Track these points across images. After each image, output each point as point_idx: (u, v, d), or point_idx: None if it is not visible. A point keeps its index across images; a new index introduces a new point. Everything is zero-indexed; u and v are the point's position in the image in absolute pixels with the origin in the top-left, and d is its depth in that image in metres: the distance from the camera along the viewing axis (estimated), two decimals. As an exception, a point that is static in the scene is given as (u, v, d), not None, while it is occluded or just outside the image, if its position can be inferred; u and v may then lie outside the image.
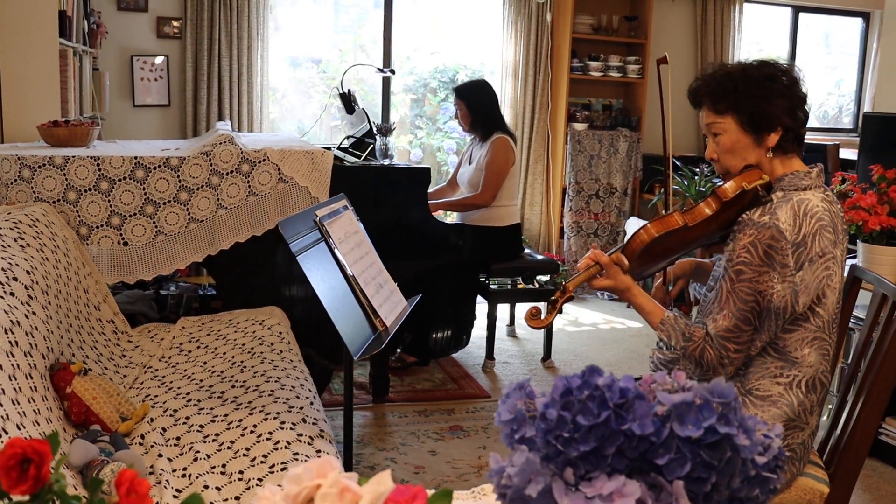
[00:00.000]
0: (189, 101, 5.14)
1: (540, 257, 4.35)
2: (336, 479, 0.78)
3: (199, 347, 2.80)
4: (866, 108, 6.80)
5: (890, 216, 3.06)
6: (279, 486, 0.86)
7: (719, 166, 1.90)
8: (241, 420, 2.14)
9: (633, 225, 5.32)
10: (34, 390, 1.90)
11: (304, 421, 2.11)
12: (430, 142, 6.56)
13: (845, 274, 2.01)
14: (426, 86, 6.54)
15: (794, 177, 1.82)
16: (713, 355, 1.78)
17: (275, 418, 2.10)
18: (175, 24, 5.12)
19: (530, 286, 4.30)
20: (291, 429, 2.05)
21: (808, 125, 1.91)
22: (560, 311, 1.95)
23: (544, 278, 4.55)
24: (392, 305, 2.08)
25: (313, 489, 0.79)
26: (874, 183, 3.21)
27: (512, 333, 4.80)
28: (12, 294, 2.09)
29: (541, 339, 4.66)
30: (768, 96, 1.79)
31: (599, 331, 5.04)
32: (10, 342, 1.88)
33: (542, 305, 1.93)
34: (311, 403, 2.25)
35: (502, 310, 4.69)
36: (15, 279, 2.15)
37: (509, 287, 4.24)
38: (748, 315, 1.77)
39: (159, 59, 5.13)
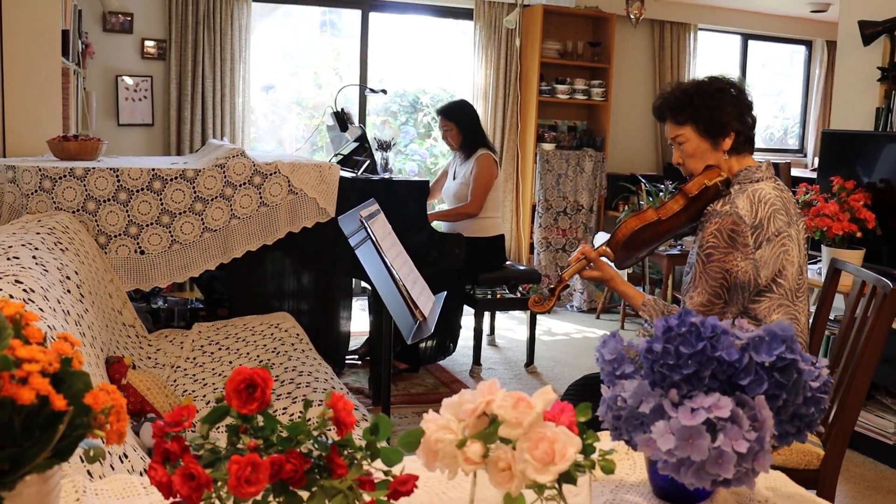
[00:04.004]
0: (173, 121, 5.25)
1: (522, 267, 4.58)
2: (508, 392, 0.97)
3: (220, 349, 2.93)
4: (811, 129, 7.27)
5: (851, 223, 3.39)
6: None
7: (685, 169, 2.19)
8: (285, 408, 2.29)
9: (600, 239, 5.60)
10: (102, 378, 2.03)
11: (311, 405, 2.27)
12: (392, 164, 6.76)
13: (826, 262, 2.28)
14: (387, 110, 6.75)
15: (748, 171, 2.11)
16: None
17: (319, 405, 2.26)
18: (160, 45, 5.24)
19: (511, 295, 4.50)
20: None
21: (755, 147, 2.20)
22: (559, 298, 2.21)
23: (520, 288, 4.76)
24: (426, 299, 2.26)
25: (486, 404, 0.98)
26: (835, 193, 3.54)
27: (492, 342, 5.00)
28: (68, 291, 2.21)
29: (520, 347, 4.88)
30: (719, 106, 2.08)
31: (573, 339, 5.28)
32: (80, 332, 2.01)
33: (543, 293, 2.19)
34: (347, 394, 2.41)
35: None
36: (68, 278, 2.28)
37: (489, 297, 4.43)
38: (718, 290, 2.05)
39: (144, 80, 5.23)
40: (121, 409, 0.87)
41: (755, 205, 2.02)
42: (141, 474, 1.75)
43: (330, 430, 1.04)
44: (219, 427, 1.05)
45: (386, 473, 0.96)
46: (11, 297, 1.76)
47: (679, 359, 1.09)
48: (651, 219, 2.12)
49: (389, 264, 2.13)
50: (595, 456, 0.98)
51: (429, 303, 2.26)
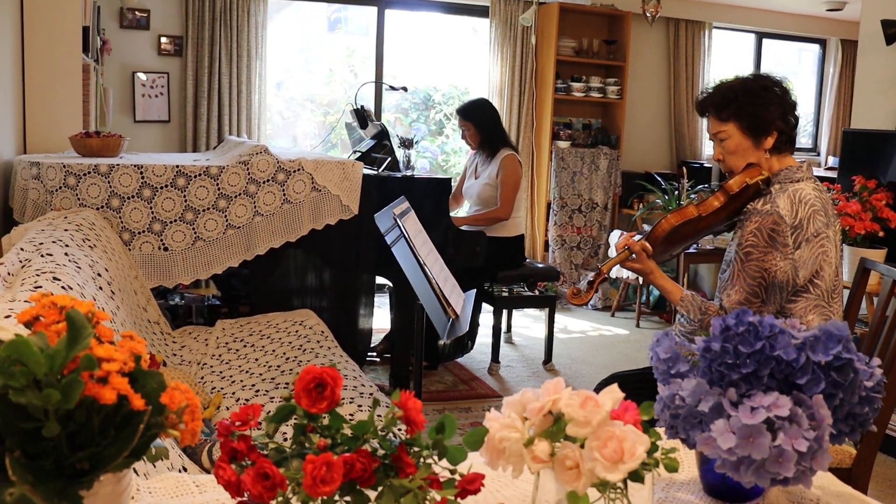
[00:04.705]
0: (189, 118, 5.26)
1: (541, 265, 4.58)
2: (574, 392, 0.97)
3: (245, 346, 2.94)
4: (824, 128, 7.25)
5: (873, 222, 3.38)
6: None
7: (724, 166, 2.19)
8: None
9: (617, 237, 5.60)
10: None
11: (379, 404, 2.27)
12: (414, 162, 6.76)
13: (850, 262, 2.28)
14: (398, 107, 6.76)
15: (789, 171, 2.11)
16: None
17: (350, 402, 2.26)
18: (176, 41, 5.25)
19: (530, 293, 4.50)
20: (369, 410, 2.21)
21: (794, 146, 2.19)
22: (596, 291, 2.21)
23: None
24: (457, 297, 2.27)
25: (553, 403, 0.98)
26: (856, 192, 3.53)
27: (509, 340, 5.01)
28: (100, 288, 2.22)
29: (536, 345, 4.89)
30: (764, 104, 2.08)
31: (589, 337, 5.28)
32: (115, 331, 2.02)
33: (582, 286, 2.19)
34: (378, 390, 2.42)
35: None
36: (99, 275, 2.29)
37: (506, 294, 4.43)
38: (756, 289, 2.05)
39: (160, 77, 5.24)
40: (196, 409, 0.88)
41: (795, 205, 2.02)
42: (179, 471, 1.76)
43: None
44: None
45: (451, 472, 0.97)
46: (51, 294, 1.77)
47: (738, 358, 1.09)
48: (692, 215, 2.12)
49: (422, 262, 2.14)
50: (658, 454, 0.99)
51: (460, 300, 2.27)
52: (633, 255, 2.17)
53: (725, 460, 1.06)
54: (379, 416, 1.03)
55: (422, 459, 0.97)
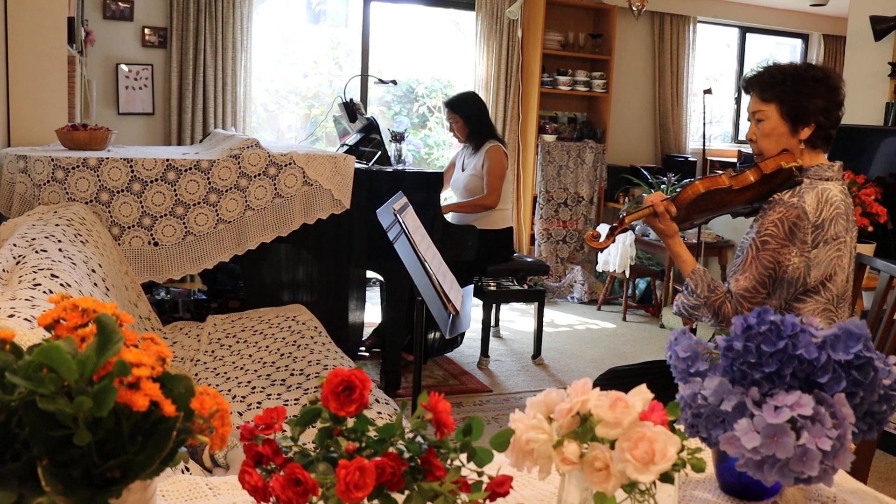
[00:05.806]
0: (174, 110, 5.20)
1: (530, 259, 4.58)
2: (602, 392, 0.97)
3: (238, 342, 2.91)
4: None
5: (862, 217, 3.41)
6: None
7: (756, 147, 2.17)
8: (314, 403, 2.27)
9: (603, 230, 5.60)
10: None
11: (378, 401, 2.26)
12: (405, 156, 6.73)
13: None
14: (380, 99, 6.72)
15: (820, 168, 2.10)
16: (730, 309, 2.07)
17: (349, 398, 2.25)
18: (160, 33, 5.18)
19: (519, 287, 4.50)
20: (368, 408, 2.20)
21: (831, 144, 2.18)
22: (614, 240, 2.19)
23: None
24: (456, 292, 2.26)
25: (582, 404, 0.97)
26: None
27: (497, 334, 5.01)
28: (95, 285, 2.19)
29: (524, 339, 4.89)
30: (809, 95, 2.05)
31: (576, 331, 5.30)
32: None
33: (602, 229, 2.15)
34: (377, 387, 2.41)
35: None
36: (93, 271, 2.25)
37: (494, 288, 4.42)
38: (765, 280, 2.05)
39: (144, 69, 5.17)
40: (225, 414, 0.86)
41: (821, 204, 2.01)
42: (182, 472, 1.74)
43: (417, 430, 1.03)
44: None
45: (479, 474, 0.96)
46: (51, 291, 1.74)
47: (760, 357, 1.09)
48: (723, 184, 2.09)
49: (422, 257, 2.12)
50: (684, 454, 0.98)
51: (458, 296, 2.26)
52: (657, 214, 2.14)
53: (749, 459, 1.06)
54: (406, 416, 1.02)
55: (450, 462, 0.96)
